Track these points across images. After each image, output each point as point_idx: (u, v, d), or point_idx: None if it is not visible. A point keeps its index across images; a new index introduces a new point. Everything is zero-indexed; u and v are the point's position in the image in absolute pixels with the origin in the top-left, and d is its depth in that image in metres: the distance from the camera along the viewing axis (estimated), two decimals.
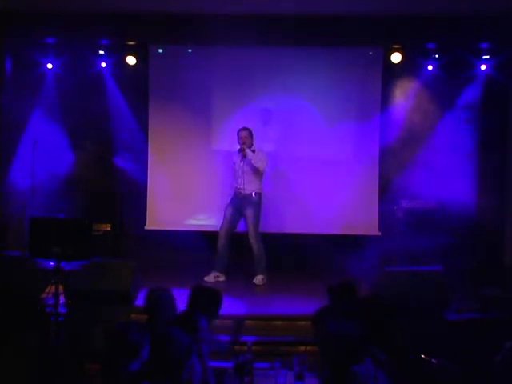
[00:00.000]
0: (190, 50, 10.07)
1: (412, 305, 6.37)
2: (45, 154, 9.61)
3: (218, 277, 9.03)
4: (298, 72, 9.89)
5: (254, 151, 9.00)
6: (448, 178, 9.52)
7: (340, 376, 4.12)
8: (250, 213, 8.99)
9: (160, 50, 10.11)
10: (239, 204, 9.06)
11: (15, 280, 7.21)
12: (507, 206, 9.73)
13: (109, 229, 9.66)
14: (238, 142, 9.03)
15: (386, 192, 9.94)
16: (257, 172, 8.95)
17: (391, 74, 10.01)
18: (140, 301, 7.18)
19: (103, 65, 10.00)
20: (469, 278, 8.73)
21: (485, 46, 9.50)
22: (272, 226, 9.65)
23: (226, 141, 9.85)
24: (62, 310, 7.07)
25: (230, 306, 7.66)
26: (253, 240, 8.99)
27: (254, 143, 9.09)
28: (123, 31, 9.53)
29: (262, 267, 9.02)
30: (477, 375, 5.03)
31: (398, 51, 9.76)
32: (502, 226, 9.78)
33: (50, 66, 9.86)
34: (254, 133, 9.09)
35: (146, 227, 10.03)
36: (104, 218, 9.65)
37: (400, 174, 9.86)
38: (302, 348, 6.46)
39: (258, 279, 8.97)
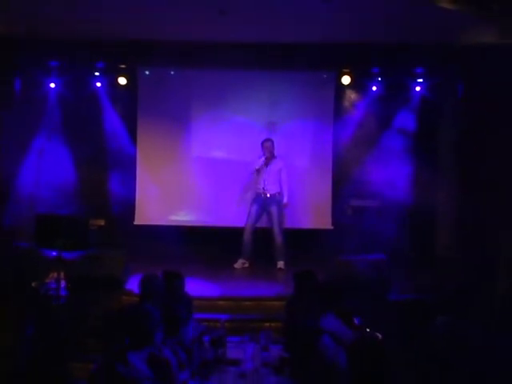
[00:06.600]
0: (172, 72, 10.07)
1: (359, 288, 6.45)
2: (49, 161, 9.66)
3: (244, 263, 9.21)
4: (260, 91, 9.95)
5: (275, 157, 9.19)
6: (390, 180, 9.61)
7: (303, 351, 4.16)
8: (275, 211, 9.12)
9: (147, 72, 10.08)
10: (264, 203, 9.17)
11: (24, 267, 7.22)
12: (439, 202, 9.87)
13: (103, 224, 9.62)
14: (263, 152, 9.13)
15: (338, 193, 10.03)
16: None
17: (342, 93, 10.12)
18: (130, 285, 7.29)
19: (98, 85, 9.95)
20: (407, 265, 8.89)
21: (419, 70, 9.68)
22: (239, 220, 9.59)
23: (205, 148, 9.99)
24: (63, 293, 7.09)
25: (206, 289, 7.76)
26: (277, 232, 9.10)
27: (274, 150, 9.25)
28: (116, 56, 9.59)
29: (282, 254, 9.10)
30: (411, 346, 5.12)
31: (347, 74, 9.84)
32: (433, 220, 9.93)
33: (53, 85, 9.80)
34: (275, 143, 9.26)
35: (135, 222, 10.02)
36: (99, 215, 9.61)
37: (349, 178, 9.99)
38: (267, 324, 6.58)
39: (280, 264, 9.08)
